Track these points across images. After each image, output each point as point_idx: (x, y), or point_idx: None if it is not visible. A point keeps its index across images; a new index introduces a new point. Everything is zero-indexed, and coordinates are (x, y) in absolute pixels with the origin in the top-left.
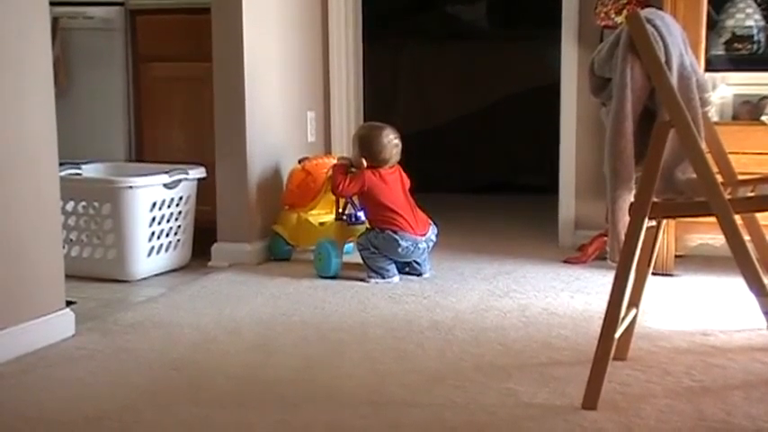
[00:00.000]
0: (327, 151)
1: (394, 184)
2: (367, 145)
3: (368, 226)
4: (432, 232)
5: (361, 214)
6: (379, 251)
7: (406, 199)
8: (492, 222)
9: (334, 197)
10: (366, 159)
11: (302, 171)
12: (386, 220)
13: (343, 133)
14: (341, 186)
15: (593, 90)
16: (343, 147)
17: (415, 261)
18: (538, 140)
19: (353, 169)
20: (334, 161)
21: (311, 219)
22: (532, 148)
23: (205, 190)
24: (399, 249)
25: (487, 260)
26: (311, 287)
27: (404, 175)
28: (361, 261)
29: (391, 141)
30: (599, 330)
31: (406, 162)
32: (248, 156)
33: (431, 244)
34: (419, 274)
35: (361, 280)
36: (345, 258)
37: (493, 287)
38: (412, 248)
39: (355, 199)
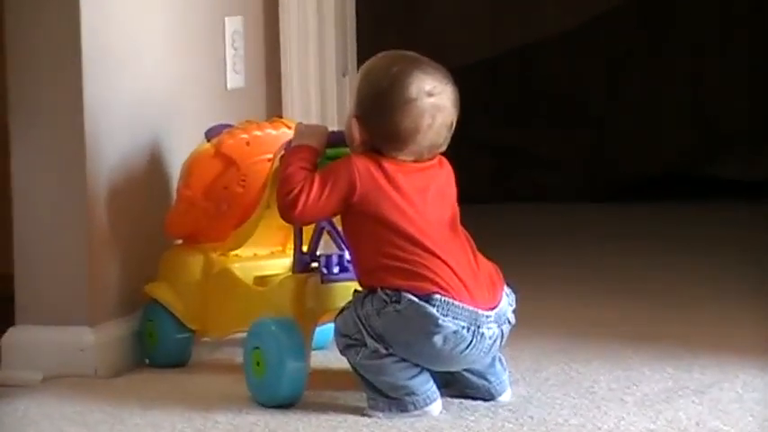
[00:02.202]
0: (274, 110)
1: (421, 194)
2: (373, 91)
3: (359, 288)
4: (508, 303)
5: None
6: (388, 345)
7: (451, 229)
8: (656, 266)
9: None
10: (362, 126)
11: (215, 158)
12: (405, 269)
13: (309, 67)
14: (302, 198)
15: None
16: (311, 100)
17: (468, 370)
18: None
19: (329, 152)
20: (290, 132)
21: (236, 268)
22: (751, 98)
23: None
24: (436, 339)
25: (650, 356)
26: (236, 429)
27: (452, 174)
28: (351, 367)
29: (434, 103)
30: None
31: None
32: (88, 124)
33: (507, 329)
34: (487, 398)
35: (363, 414)
36: (318, 359)
37: (665, 423)
38: (468, 338)
39: (338, 222)
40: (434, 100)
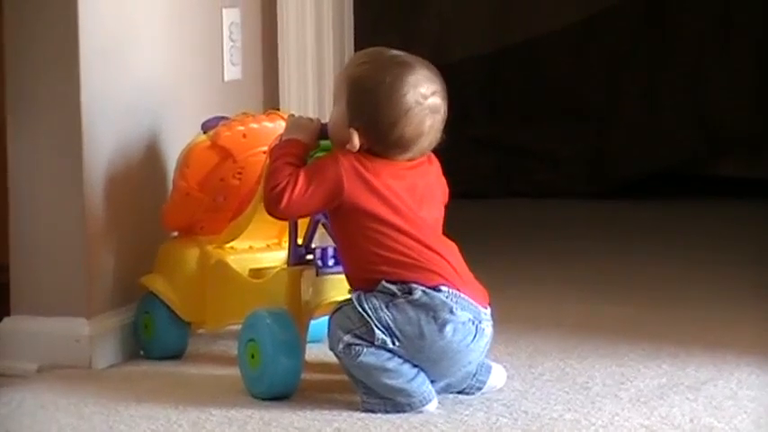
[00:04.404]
0: (271, 103)
1: (411, 191)
2: (371, 105)
3: (350, 288)
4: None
5: None
6: (395, 339)
7: (439, 228)
8: (655, 263)
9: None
10: (362, 135)
11: (211, 149)
12: (409, 262)
13: (306, 60)
14: (287, 194)
15: None
16: (308, 92)
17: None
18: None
19: (323, 144)
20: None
21: (232, 260)
22: (753, 97)
23: None
24: (448, 330)
25: (645, 353)
26: (230, 422)
27: (440, 171)
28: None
29: (432, 105)
30: None
31: (447, 130)
32: (85, 115)
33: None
34: (471, 389)
35: (358, 408)
36: (313, 352)
37: (659, 420)
38: (473, 331)
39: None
40: (430, 101)
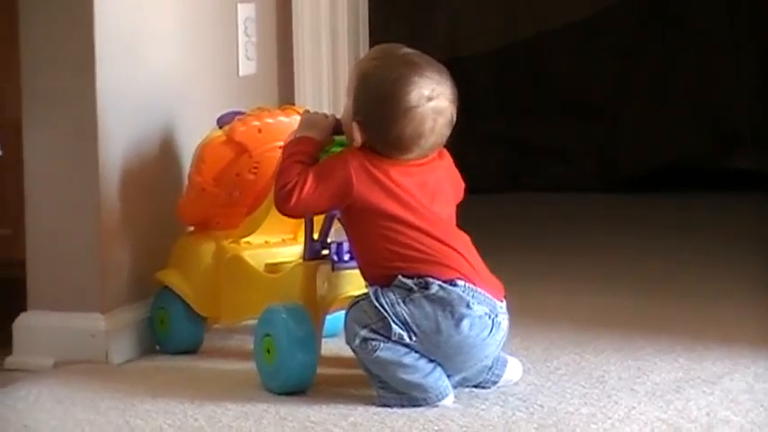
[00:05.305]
0: (286, 97)
1: (422, 188)
2: (374, 100)
3: (367, 284)
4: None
5: None
6: (412, 333)
7: (453, 223)
8: (668, 257)
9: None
10: (363, 131)
11: (226, 145)
12: (424, 258)
13: (321, 55)
14: (295, 193)
15: None
16: (323, 87)
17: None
18: None
19: (338, 139)
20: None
21: (248, 255)
22: (761, 90)
23: None
24: (464, 324)
25: (661, 347)
26: (246, 416)
27: (451, 165)
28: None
29: (436, 107)
30: None
31: (457, 126)
32: (100, 110)
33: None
34: (488, 383)
35: (374, 403)
36: (329, 346)
37: (675, 413)
38: (489, 325)
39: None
40: (434, 103)
